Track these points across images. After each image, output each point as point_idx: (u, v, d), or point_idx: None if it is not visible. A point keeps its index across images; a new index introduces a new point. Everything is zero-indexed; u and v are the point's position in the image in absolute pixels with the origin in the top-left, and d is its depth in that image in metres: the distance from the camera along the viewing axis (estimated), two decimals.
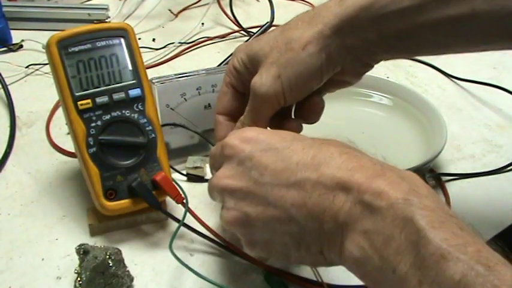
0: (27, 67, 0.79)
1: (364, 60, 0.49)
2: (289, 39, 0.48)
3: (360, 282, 0.36)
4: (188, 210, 0.52)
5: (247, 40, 0.76)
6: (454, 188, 0.62)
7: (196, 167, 0.60)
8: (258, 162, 0.40)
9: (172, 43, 0.86)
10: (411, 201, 0.34)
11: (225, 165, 0.43)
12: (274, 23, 0.83)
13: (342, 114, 0.68)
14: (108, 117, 0.53)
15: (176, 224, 0.52)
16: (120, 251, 0.49)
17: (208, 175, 0.60)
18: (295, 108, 0.53)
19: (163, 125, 0.58)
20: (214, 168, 0.46)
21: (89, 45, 0.53)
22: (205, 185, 0.61)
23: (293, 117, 0.53)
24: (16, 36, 0.86)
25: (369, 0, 0.46)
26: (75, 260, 0.49)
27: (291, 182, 0.39)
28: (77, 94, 0.52)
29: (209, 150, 0.63)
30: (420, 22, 0.45)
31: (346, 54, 0.48)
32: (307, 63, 0.47)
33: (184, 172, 0.61)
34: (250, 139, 0.42)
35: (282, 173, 0.39)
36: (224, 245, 0.53)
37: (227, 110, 0.53)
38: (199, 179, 0.61)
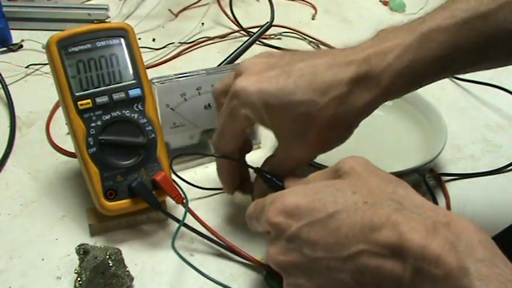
0: (27, 67, 0.79)
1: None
2: (339, 112, 0.46)
3: None
4: (188, 210, 0.52)
5: (248, 40, 0.76)
6: (454, 188, 0.62)
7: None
8: (306, 239, 0.39)
9: (172, 43, 0.86)
10: (467, 270, 0.33)
11: (275, 242, 0.42)
12: (274, 23, 0.83)
13: None
14: (108, 117, 0.53)
15: (176, 224, 0.52)
16: (120, 251, 0.49)
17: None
18: None
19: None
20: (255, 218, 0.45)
21: (88, 45, 0.53)
22: (204, 185, 0.61)
23: None
24: (16, 36, 0.86)
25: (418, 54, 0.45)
26: (75, 260, 0.49)
27: (344, 256, 0.37)
28: (77, 94, 0.52)
29: (209, 151, 0.63)
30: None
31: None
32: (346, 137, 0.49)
33: (183, 176, 0.61)
34: (293, 212, 0.40)
35: (334, 247, 0.38)
36: (224, 245, 0.53)
37: (235, 151, 0.53)
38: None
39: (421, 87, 0.49)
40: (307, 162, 0.51)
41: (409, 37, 0.46)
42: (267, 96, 0.47)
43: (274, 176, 0.50)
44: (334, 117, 0.46)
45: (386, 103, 0.71)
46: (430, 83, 0.48)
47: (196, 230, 0.53)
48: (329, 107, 0.46)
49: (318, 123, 0.46)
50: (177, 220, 0.52)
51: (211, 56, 0.85)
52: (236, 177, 0.55)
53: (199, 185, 0.60)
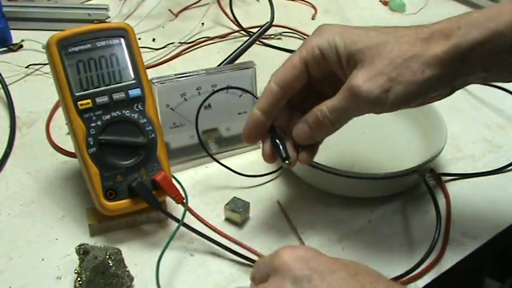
0: (27, 67, 0.79)
1: (459, 87, 0.49)
2: (405, 55, 0.45)
3: None
4: (188, 209, 0.52)
5: (248, 40, 0.76)
6: (454, 188, 0.62)
7: (234, 211, 0.56)
8: (315, 286, 0.36)
9: (172, 43, 0.86)
10: None
11: (275, 281, 0.38)
12: (274, 23, 0.83)
13: None
14: (108, 117, 0.53)
15: (176, 224, 0.52)
16: (120, 251, 0.49)
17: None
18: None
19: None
20: (257, 279, 0.41)
21: (88, 45, 0.53)
22: (204, 185, 0.61)
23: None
24: (16, 36, 0.86)
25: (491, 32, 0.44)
26: (75, 260, 0.49)
27: None
28: (77, 94, 0.52)
29: (209, 151, 0.63)
30: None
31: (453, 83, 0.47)
32: (422, 88, 0.46)
33: (182, 176, 0.61)
34: (307, 259, 0.38)
35: None
36: (224, 245, 0.53)
37: (287, 84, 0.49)
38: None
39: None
40: (364, 108, 0.47)
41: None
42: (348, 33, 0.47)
43: (283, 146, 0.50)
44: (410, 52, 0.45)
45: None
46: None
47: (196, 230, 0.53)
48: (407, 43, 0.46)
49: (392, 53, 0.45)
50: (177, 220, 0.52)
51: (211, 56, 0.85)
52: (259, 131, 0.51)
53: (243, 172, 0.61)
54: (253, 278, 0.42)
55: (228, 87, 0.61)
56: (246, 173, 0.61)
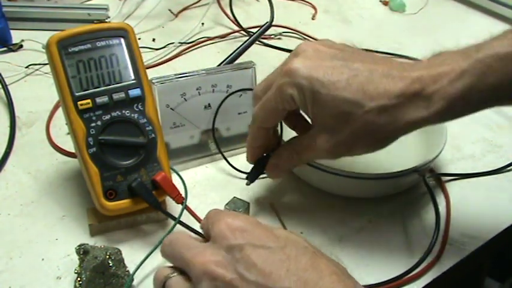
0: (27, 67, 0.79)
1: None
2: (370, 127, 0.47)
3: None
4: (186, 208, 0.52)
5: (247, 40, 0.76)
6: (454, 188, 0.62)
7: (234, 211, 0.55)
8: (247, 256, 0.39)
9: (172, 43, 0.86)
10: None
11: (212, 247, 0.40)
12: (274, 23, 0.83)
13: None
14: (108, 117, 0.53)
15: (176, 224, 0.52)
16: (120, 251, 0.49)
17: None
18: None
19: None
20: (204, 229, 0.44)
21: (88, 45, 0.53)
22: (204, 185, 0.61)
23: None
24: (16, 36, 0.86)
25: (473, 80, 0.45)
26: (75, 260, 0.49)
27: (276, 287, 0.38)
28: (77, 94, 0.52)
29: (209, 151, 0.63)
30: None
31: None
32: (382, 147, 0.50)
33: (183, 176, 0.61)
34: (243, 229, 0.40)
35: (269, 276, 0.38)
36: None
37: (269, 123, 0.53)
38: None
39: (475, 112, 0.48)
40: (326, 157, 0.51)
41: (464, 62, 0.45)
42: (318, 84, 0.47)
43: (255, 171, 0.57)
44: (373, 125, 0.47)
45: None
46: (486, 109, 0.48)
47: (193, 229, 0.53)
48: (372, 113, 0.46)
49: (356, 125, 0.47)
50: (174, 218, 0.52)
51: (211, 56, 0.85)
52: (262, 149, 0.56)
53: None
54: (202, 228, 0.45)
55: (245, 89, 0.63)
56: (246, 172, 0.61)
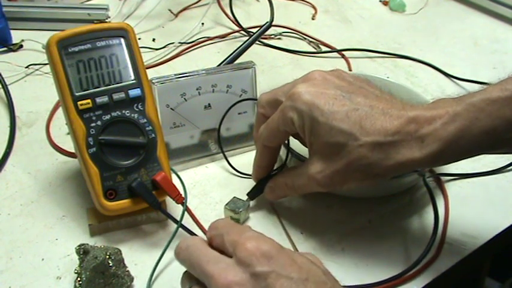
0: (27, 67, 0.79)
1: None
2: (362, 161, 0.47)
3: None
4: (187, 210, 0.52)
5: (247, 40, 0.76)
6: (454, 188, 0.62)
7: (234, 211, 0.56)
8: (271, 285, 0.38)
9: (172, 43, 0.86)
10: None
11: (236, 269, 0.39)
12: (274, 23, 0.83)
13: None
14: (108, 117, 0.53)
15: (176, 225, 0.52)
16: (120, 251, 0.49)
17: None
18: None
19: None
20: (214, 242, 0.43)
21: (88, 45, 0.53)
22: (204, 185, 0.61)
23: None
24: (16, 36, 0.86)
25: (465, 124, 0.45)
26: (75, 260, 0.49)
27: None
28: (77, 94, 0.52)
29: (209, 151, 0.63)
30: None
31: None
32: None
33: (182, 176, 0.61)
34: (270, 256, 0.39)
35: None
36: None
37: (273, 143, 0.55)
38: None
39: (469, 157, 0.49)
40: (319, 190, 0.51)
41: (458, 106, 0.46)
42: (317, 112, 0.48)
43: (258, 188, 0.57)
44: (367, 160, 0.47)
45: None
46: (479, 155, 0.48)
47: (193, 232, 0.53)
48: (366, 147, 0.47)
49: (349, 158, 0.48)
50: (176, 221, 0.52)
51: (211, 56, 0.85)
52: (266, 169, 0.57)
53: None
54: (210, 238, 0.43)
55: (251, 99, 0.63)
56: (246, 172, 0.61)
